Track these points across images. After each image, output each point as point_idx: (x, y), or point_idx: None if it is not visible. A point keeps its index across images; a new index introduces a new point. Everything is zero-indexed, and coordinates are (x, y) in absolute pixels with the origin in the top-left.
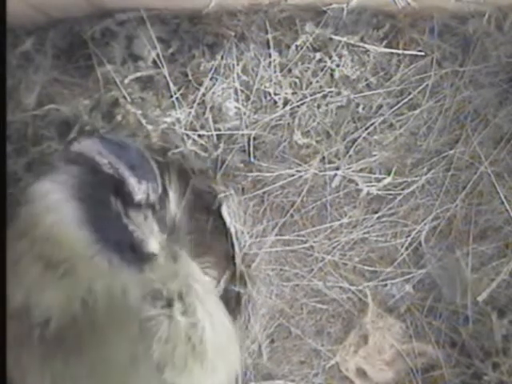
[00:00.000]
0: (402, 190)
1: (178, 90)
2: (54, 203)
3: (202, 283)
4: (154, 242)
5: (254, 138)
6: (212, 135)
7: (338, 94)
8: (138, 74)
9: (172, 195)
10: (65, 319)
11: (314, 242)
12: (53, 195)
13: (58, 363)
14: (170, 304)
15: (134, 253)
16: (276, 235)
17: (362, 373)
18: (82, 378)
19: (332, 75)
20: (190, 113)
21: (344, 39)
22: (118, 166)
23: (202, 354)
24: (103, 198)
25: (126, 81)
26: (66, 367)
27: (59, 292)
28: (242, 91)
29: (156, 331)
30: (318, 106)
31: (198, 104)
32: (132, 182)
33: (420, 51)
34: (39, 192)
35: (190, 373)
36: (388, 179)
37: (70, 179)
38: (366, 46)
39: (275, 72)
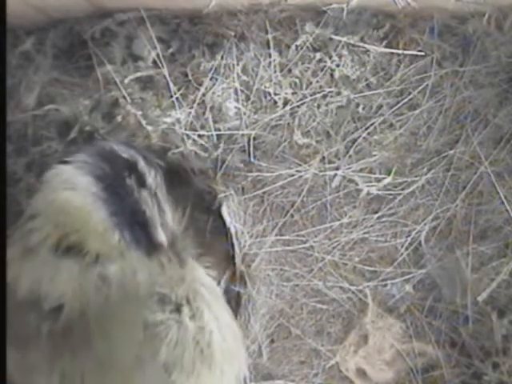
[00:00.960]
0: (402, 190)
1: (178, 90)
2: (69, 177)
3: (209, 287)
4: (161, 233)
5: (254, 138)
6: (212, 135)
7: (338, 94)
8: (138, 74)
9: (167, 208)
10: (76, 307)
11: (314, 241)
12: (69, 171)
13: (67, 359)
14: (178, 309)
15: (144, 233)
16: (276, 235)
17: (362, 373)
18: (89, 373)
19: (332, 75)
20: (189, 113)
21: (344, 39)
22: (131, 151)
23: (210, 357)
24: (118, 175)
25: (126, 81)
26: (74, 363)
27: (72, 276)
28: (242, 91)
29: (165, 336)
30: (318, 106)
31: (198, 104)
32: (143, 164)
33: (420, 51)
34: (56, 171)
35: (198, 376)
36: (388, 179)
37: (87, 157)
38: (366, 45)
39: (275, 72)
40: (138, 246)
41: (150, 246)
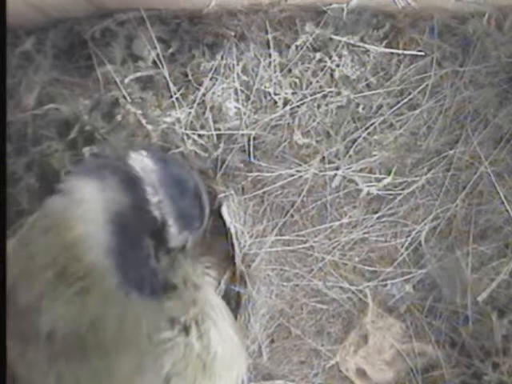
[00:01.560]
0: (402, 190)
1: (178, 90)
2: (87, 213)
3: (217, 306)
4: (177, 277)
5: (254, 138)
6: (212, 135)
7: (338, 94)
8: (138, 74)
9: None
10: (70, 335)
11: (314, 241)
12: (89, 203)
13: (62, 364)
14: (186, 330)
15: (154, 290)
16: (276, 235)
17: (362, 373)
18: (85, 380)
19: (332, 75)
20: (190, 113)
21: (344, 39)
22: (165, 210)
23: (211, 370)
24: (138, 235)
25: (126, 81)
26: (69, 369)
27: (69, 308)
28: (242, 91)
29: (171, 351)
30: (318, 106)
31: (198, 104)
32: (173, 231)
33: (420, 51)
34: (74, 189)
35: None
36: (388, 179)
37: (109, 192)
38: (366, 46)
39: (275, 72)
40: (145, 300)
41: (159, 296)
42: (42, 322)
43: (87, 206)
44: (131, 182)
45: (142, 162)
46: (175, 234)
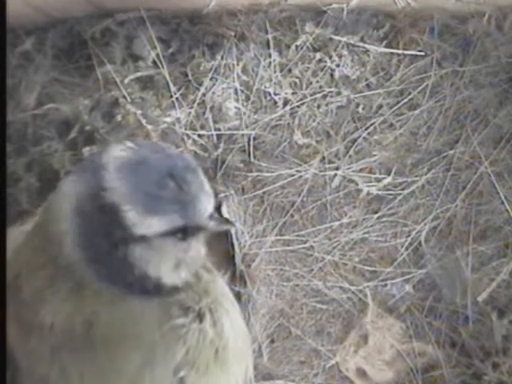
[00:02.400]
0: (402, 190)
1: (178, 90)
2: (63, 208)
3: (227, 295)
4: (170, 275)
5: (254, 138)
6: (212, 135)
7: (338, 94)
8: (138, 74)
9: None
10: (68, 331)
11: (314, 241)
12: (65, 197)
13: (66, 356)
14: (200, 317)
15: (143, 286)
16: (276, 235)
17: (362, 373)
18: (89, 375)
19: (332, 75)
20: (189, 113)
21: (344, 39)
22: (120, 195)
23: (223, 359)
24: (99, 225)
25: (126, 81)
26: (73, 361)
27: (65, 305)
28: (242, 91)
29: (185, 339)
30: (318, 106)
31: (198, 104)
32: (131, 216)
33: (420, 51)
34: (62, 184)
35: (211, 375)
36: (388, 179)
37: (78, 185)
38: (366, 45)
39: (275, 72)
40: (139, 297)
41: (157, 293)
42: (45, 312)
43: (64, 200)
44: (94, 171)
45: (113, 151)
46: (137, 220)
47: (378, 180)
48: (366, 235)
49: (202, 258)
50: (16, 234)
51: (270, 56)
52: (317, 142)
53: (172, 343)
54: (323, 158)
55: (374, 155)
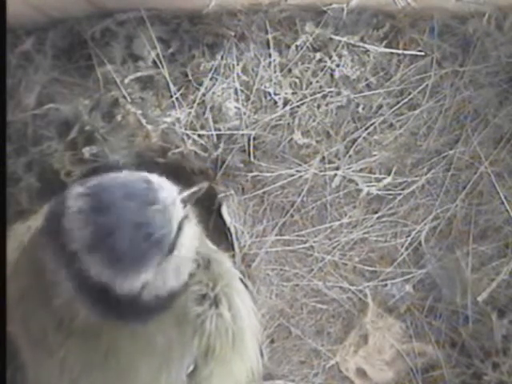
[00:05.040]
0: (402, 190)
1: (178, 90)
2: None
3: (236, 277)
4: (176, 281)
5: (254, 138)
6: (212, 135)
7: (338, 94)
8: (138, 74)
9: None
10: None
11: (314, 241)
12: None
13: (67, 350)
14: (217, 303)
15: (156, 307)
16: (276, 235)
17: (362, 373)
18: (94, 365)
19: (332, 75)
20: (189, 113)
21: (344, 39)
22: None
23: (239, 340)
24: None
25: (126, 81)
26: (75, 355)
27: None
28: (242, 91)
29: (204, 328)
30: (318, 106)
31: (198, 104)
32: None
33: (420, 51)
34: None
35: (229, 362)
36: (388, 179)
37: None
38: (366, 45)
39: (275, 72)
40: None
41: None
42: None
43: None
44: (55, 211)
45: (78, 189)
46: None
47: (378, 180)
48: (366, 235)
49: (197, 239)
50: (22, 231)
51: (270, 56)
52: (317, 141)
53: (188, 337)
54: (323, 157)
55: (374, 155)
